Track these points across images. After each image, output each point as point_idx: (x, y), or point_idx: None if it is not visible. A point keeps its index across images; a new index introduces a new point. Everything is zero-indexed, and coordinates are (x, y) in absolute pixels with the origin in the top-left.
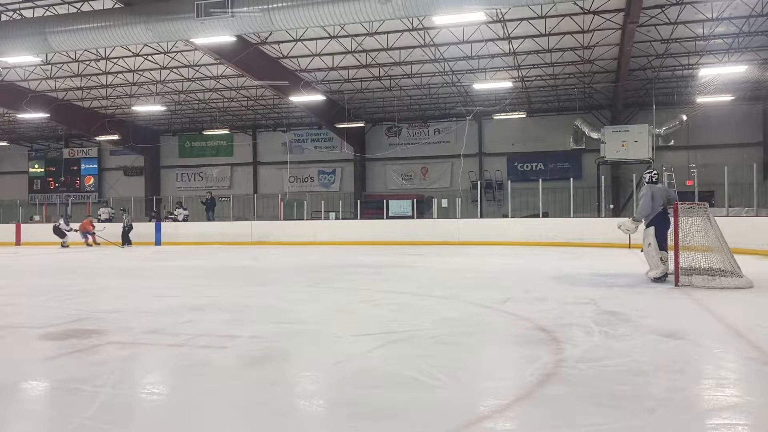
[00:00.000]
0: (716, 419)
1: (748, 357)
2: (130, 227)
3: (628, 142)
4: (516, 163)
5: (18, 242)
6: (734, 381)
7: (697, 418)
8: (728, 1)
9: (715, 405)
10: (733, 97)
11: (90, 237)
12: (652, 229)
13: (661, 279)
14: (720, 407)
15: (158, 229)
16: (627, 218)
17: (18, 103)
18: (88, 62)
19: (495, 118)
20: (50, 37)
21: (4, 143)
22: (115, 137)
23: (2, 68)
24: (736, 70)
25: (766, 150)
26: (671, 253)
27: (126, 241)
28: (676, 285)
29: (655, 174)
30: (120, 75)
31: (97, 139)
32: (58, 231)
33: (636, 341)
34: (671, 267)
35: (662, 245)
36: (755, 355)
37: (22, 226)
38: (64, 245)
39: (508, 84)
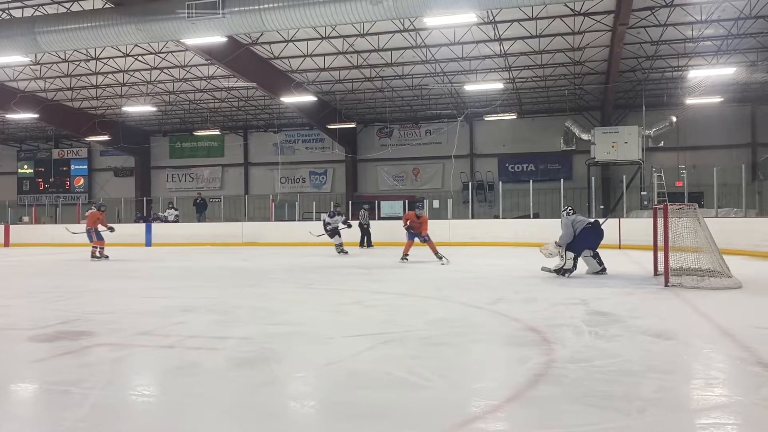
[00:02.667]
0: (706, 419)
1: (737, 357)
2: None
3: (618, 144)
4: (507, 164)
5: (6, 244)
6: (723, 381)
7: (686, 417)
8: (717, 4)
9: (705, 405)
10: (722, 99)
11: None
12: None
13: (560, 272)
14: (709, 407)
15: (148, 230)
16: (551, 243)
17: (7, 103)
18: (77, 62)
19: (486, 119)
20: (39, 37)
21: None
22: (106, 138)
23: None
24: (725, 72)
25: (755, 151)
26: (661, 254)
27: (367, 242)
28: (666, 285)
29: (571, 210)
30: (110, 75)
31: (87, 139)
32: (331, 230)
33: (626, 342)
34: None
35: (578, 251)
36: (744, 355)
37: (11, 227)
38: (340, 250)
39: (499, 85)
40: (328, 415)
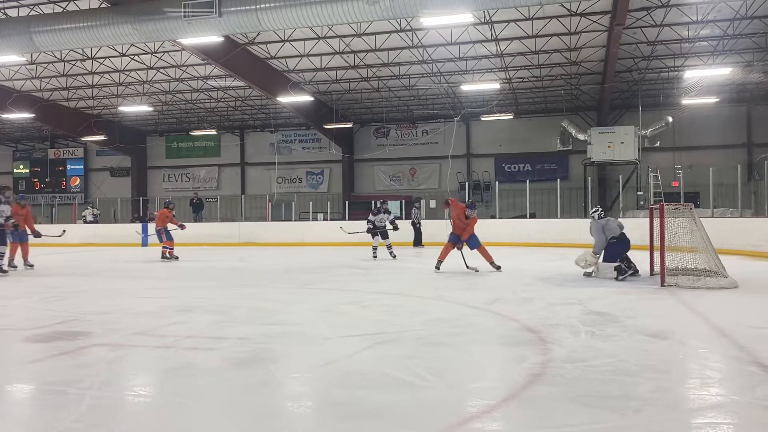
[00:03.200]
0: (701, 418)
1: (732, 357)
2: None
3: (614, 144)
4: (503, 164)
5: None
6: (719, 380)
7: (682, 417)
8: (713, 4)
9: (701, 404)
10: (718, 99)
11: None
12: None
13: (621, 272)
14: (705, 406)
15: (145, 230)
16: (588, 253)
17: (2, 103)
18: (73, 62)
19: (483, 119)
20: (35, 37)
21: None
22: (102, 138)
23: None
24: (720, 72)
25: (751, 151)
26: (657, 254)
27: (419, 241)
28: (662, 285)
29: (601, 211)
30: (106, 75)
31: (83, 139)
32: (373, 229)
33: (622, 341)
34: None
35: (615, 261)
36: (740, 354)
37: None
38: (390, 252)
39: (496, 85)
40: (324, 415)
